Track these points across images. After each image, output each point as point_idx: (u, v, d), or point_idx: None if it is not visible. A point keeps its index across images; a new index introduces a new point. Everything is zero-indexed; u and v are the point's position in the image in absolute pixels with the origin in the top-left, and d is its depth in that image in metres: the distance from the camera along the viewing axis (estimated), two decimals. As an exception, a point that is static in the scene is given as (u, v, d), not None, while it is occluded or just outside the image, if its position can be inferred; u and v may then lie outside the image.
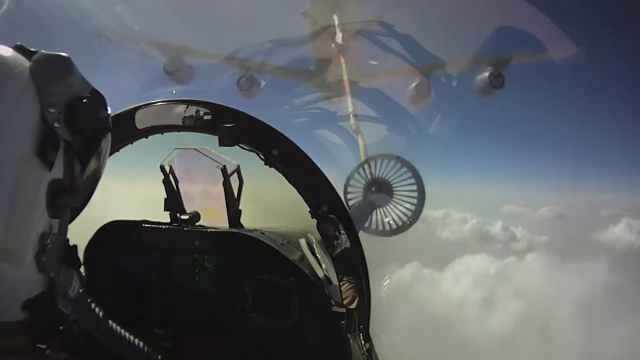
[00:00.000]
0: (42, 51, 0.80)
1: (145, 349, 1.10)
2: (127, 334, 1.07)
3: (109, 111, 0.94)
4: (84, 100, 0.84)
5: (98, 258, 1.79)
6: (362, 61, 9.18)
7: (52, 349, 0.87)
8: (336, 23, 8.52)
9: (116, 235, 1.83)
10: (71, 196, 0.85)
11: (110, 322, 1.04)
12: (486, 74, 8.64)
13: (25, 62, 0.77)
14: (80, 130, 0.84)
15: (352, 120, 7.21)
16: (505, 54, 8.73)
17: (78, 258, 0.97)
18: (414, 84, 9.20)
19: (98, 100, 0.90)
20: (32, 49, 0.80)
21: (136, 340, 1.09)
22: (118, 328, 1.05)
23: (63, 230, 0.87)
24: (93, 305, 1.00)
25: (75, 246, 0.95)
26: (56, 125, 0.79)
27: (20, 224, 0.77)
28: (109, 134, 0.96)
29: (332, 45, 8.53)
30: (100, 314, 1.00)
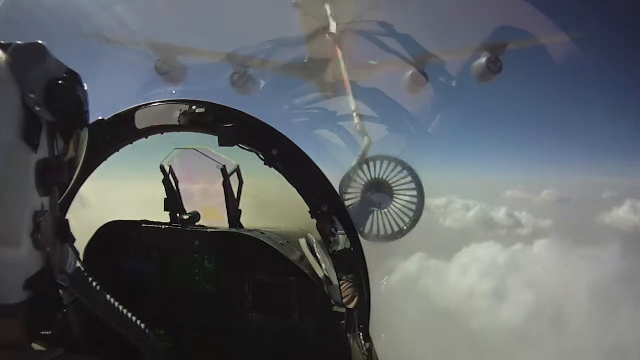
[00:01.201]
0: (17, 42, 0.85)
1: (142, 325, 1.12)
2: (124, 310, 1.08)
3: (86, 87, 0.99)
4: (60, 82, 0.89)
5: (98, 258, 1.79)
6: (357, 52, 9.10)
7: (51, 333, 0.90)
8: (329, 13, 8.40)
9: (116, 235, 1.83)
10: (57, 173, 0.90)
11: (107, 296, 1.07)
12: (483, 59, 8.53)
13: (1, 55, 0.81)
14: (61, 110, 0.89)
15: (353, 111, 7.10)
16: (503, 39, 8.67)
17: (71, 233, 1.01)
18: (410, 73, 9.14)
19: (74, 79, 0.94)
20: (4, 42, 0.84)
21: (133, 317, 1.10)
22: (116, 303, 1.08)
23: (53, 207, 0.92)
24: (90, 279, 1.03)
25: (67, 220, 0.99)
26: (37, 108, 0.83)
27: (13, 207, 0.81)
28: (88, 110, 1.01)
29: (327, 36, 8.42)
30: (98, 287, 1.03)
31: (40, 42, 0.88)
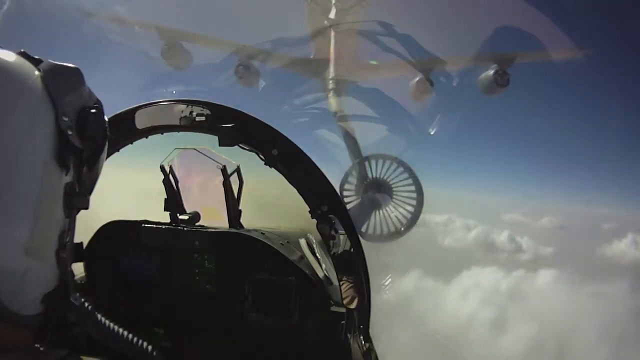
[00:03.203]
0: (50, 61, 0.86)
1: (138, 342, 1.12)
2: (116, 327, 1.10)
3: (106, 119, 1.02)
4: (93, 110, 0.92)
5: (98, 258, 1.79)
6: (359, 54, 9.02)
7: (56, 343, 0.92)
8: (333, 2, 8.28)
9: (116, 235, 1.83)
10: (82, 197, 0.93)
11: (99, 315, 1.07)
12: (491, 72, 8.52)
13: (34, 70, 0.82)
14: (89, 138, 0.91)
15: (330, 97, 6.96)
16: (512, 51, 8.62)
17: (84, 254, 1.07)
18: (416, 79, 9.09)
19: (102, 109, 0.97)
20: (36, 57, 0.85)
21: (127, 334, 1.11)
22: (108, 322, 1.08)
23: (73, 229, 0.95)
24: (82, 300, 1.04)
25: (81, 243, 1.03)
26: (69, 132, 0.85)
27: (44, 223, 0.84)
28: (107, 141, 1.04)
29: (325, 21, 8.19)
30: (90, 307, 1.04)
31: (75, 65, 0.89)
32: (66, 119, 0.84)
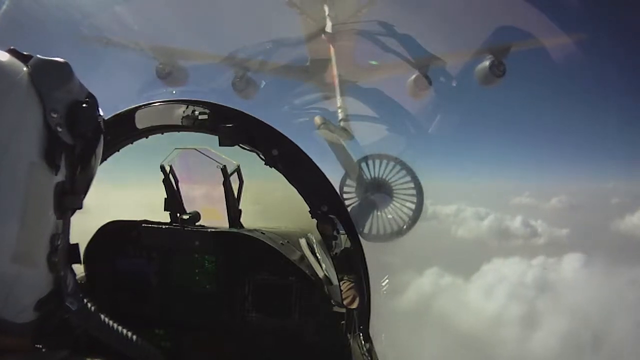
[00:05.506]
0: (38, 56, 0.82)
1: (139, 342, 1.11)
2: (120, 328, 1.09)
3: (102, 114, 0.97)
4: (84, 105, 0.87)
5: (98, 258, 1.79)
6: (356, 54, 9.01)
7: (55, 345, 0.90)
8: (327, 13, 8.21)
9: (116, 235, 1.83)
10: (75, 197, 0.89)
11: (102, 316, 1.06)
12: (487, 63, 8.58)
13: (22, 67, 0.79)
14: (81, 134, 0.86)
15: (340, 115, 6.93)
16: (506, 41, 8.66)
17: (79, 256, 1.01)
18: (413, 77, 9.12)
19: (94, 104, 0.92)
20: (25, 53, 0.81)
21: (129, 333, 1.10)
22: (111, 322, 1.08)
23: (67, 231, 0.91)
24: (85, 300, 1.02)
25: (77, 244, 0.99)
26: (59, 129, 0.81)
27: (33, 227, 0.80)
28: (103, 136, 0.98)
29: (322, 35, 8.19)
30: (92, 308, 1.03)
31: (63, 60, 0.85)
32: (55, 115, 0.80)
